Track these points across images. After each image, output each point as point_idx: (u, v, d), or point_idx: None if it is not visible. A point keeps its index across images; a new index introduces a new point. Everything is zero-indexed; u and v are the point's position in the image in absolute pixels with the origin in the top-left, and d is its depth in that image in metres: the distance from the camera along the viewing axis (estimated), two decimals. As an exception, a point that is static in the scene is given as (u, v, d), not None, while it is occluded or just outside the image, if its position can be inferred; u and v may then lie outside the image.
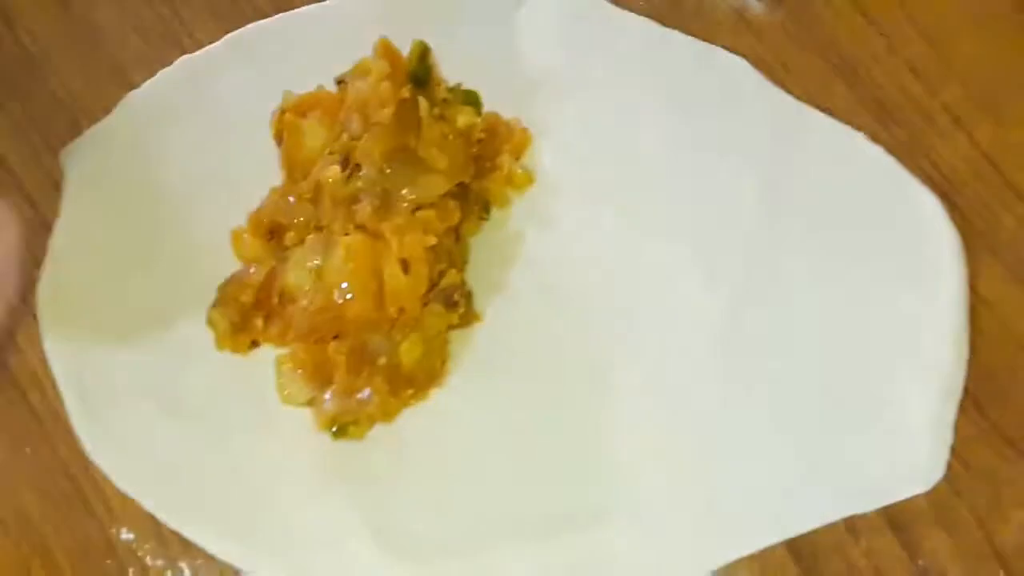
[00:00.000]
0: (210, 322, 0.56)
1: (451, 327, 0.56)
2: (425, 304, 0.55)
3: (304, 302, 0.55)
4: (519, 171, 0.59)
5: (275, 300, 0.56)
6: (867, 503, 0.53)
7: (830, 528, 0.53)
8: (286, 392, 0.54)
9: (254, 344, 0.56)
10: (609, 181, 0.59)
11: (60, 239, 0.58)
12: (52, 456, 0.54)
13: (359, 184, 0.54)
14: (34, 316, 0.57)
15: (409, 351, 0.54)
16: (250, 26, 0.62)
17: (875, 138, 0.59)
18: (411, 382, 0.55)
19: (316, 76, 0.58)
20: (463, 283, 0.56)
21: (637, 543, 0.52)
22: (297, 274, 0.55)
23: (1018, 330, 0.56)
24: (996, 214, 0.58)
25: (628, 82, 0.61)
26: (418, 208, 0.55)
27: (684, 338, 0.56)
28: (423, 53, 0.57)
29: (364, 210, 0.54)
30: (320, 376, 0.54)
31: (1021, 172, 0.59)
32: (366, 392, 0.54)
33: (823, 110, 0.60)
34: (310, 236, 0.56)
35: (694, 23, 0.62)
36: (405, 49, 0.57)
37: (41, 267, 0.58)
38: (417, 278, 0.54)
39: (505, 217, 0.59)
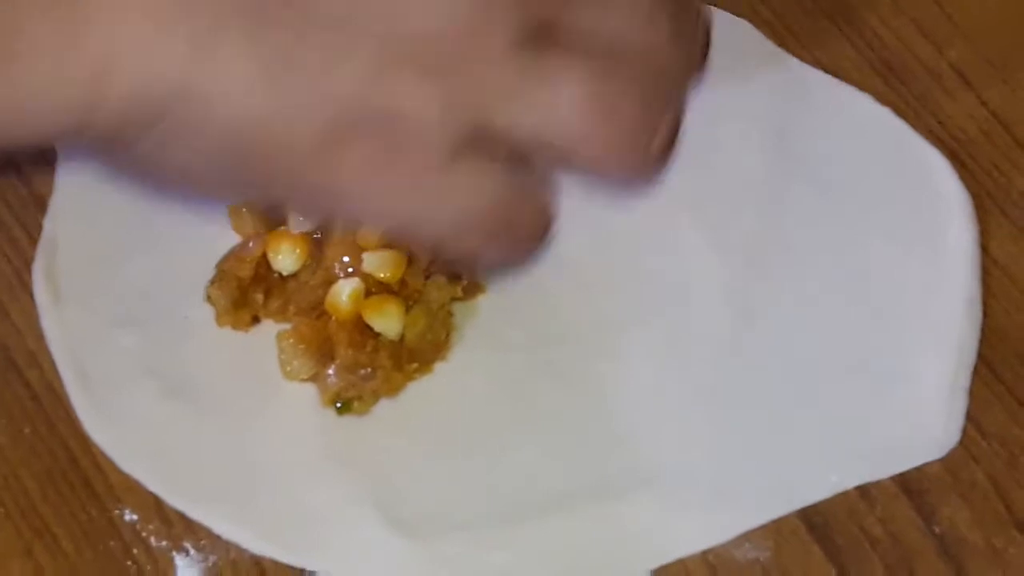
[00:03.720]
0: (209, 298, 0.55)
1: (454, 299, 0.55)
2: (427, 277, 0.54)
3: (304, 276, 0.54)
4: (521, 141, 0.58)
5: (275, 275, 0.55)
6: (882, 470, 0.52)
7: (843, 495, 0.52)
8: (288, 368, 0.53)
9: (255, 320, 0.55)
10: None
11: (55, 216, 0.57)
12: (52, 436, 0.53)
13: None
14: (30, 295, 0.56)
15: (412, 325, 0.53)
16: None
17: (882, 99, 0.59)
18: (415, 356, 0.54)
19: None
20: (466, 254, 0.55)
21: (649, 515, 0.51)
22: (297, 248, 0.54)
23: (1031, 291, 0.55)
24: (1006, 174, 0.58)
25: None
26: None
27: (693, 306, 0.55)
28: None
29: (363, 182, 0.54)
30: (322, 351, 0.53)
31: (1032, 131, 0.58)
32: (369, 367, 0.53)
33: (829, 72, 0.60)
34: (309, 209, 0.55)
35: (695, -15, 0.62)
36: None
37: (36, 245, 0.57)
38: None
39: (508, 187, 0.58)
